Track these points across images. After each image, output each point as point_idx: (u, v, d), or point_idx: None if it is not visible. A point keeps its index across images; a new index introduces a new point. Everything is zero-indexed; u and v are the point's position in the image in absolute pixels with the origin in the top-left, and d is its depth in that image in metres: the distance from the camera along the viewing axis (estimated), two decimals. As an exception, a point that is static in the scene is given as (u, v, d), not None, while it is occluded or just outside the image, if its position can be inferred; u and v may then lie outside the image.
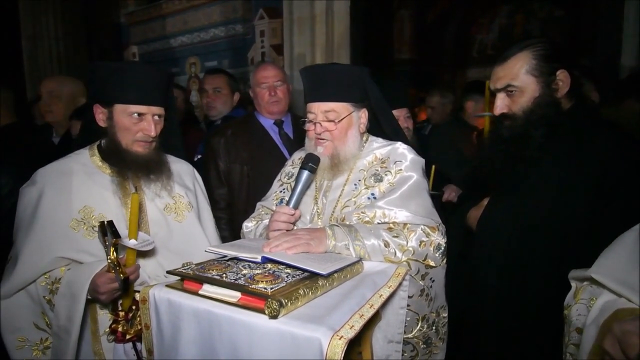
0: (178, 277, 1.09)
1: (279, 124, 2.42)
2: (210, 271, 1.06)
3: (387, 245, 1.32)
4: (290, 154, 2.29)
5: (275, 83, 2.36)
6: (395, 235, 1.35)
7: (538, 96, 1.41)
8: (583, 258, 1.25)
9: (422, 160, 1.55)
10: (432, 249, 1.38)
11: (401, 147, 1.54)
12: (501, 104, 1.47)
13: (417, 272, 1.36)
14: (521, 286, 1.42)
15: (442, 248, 1.40)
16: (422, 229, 1.38)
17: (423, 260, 1.36)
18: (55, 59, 5.60)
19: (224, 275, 1.03)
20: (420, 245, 1.36)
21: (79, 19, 5.82)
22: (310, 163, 1.44)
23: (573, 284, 1.14)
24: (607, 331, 0.89)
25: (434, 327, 1.45)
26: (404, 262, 1.33)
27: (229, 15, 5.07)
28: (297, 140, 2.34)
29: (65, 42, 5.65)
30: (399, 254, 1.33)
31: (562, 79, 1.41)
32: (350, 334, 0.88)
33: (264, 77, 2.38)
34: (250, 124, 2.43)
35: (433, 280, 1.41)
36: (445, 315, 1.49)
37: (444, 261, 1.42)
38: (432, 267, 1.39)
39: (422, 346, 1.43)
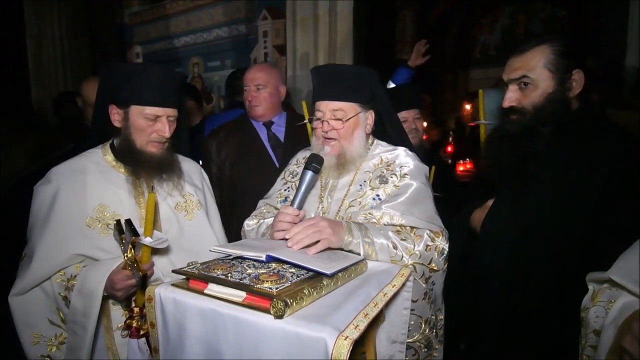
0: (183, 276, 1.09)
1: (267, 125, 2.41)
2: (216, 270, 1.06)
3: (395, 247, 1.34)
4: (277, 156, 2.30)
5: (255, 86, 2.34)
6: (403, 238, 1.37)
7: (551, 92, 1.39)
8: (587, 261, 1.25)
9: (427, 168, 1.58)
10: (436, 253, 1.40)
11: (406, 154, 1.57)
12: (512, 96, 1.45)
13: (422, 275, 1.37)
14: (524, 289, 1.42)
15: (445, 253, 1.42)
16: (427, 234, 1.40)
17: (428, 264, 1.38)
18: (60, 58, 5.62)
19: (229, 274, 1.03)
20: (426, 249, 1.38)
21: (82, 19, 5.83)
22: (314, 163, 1.45)
23: (590, 286, 1.14)
24: (627, 330, 0.89)
25: (434, 330, 1.47)
26: (410, 265, 1.34)
27: (232, 15, 5.08)
28: (288, 142, 2.34)
29: (69, 42, 5.67)
30: (405, 257, 1.34)
31: (577, 79, 1.40)
32: (355, 334, 0.88)
33: (246, 79, 2.38)
34: (242, 125, 2.43)
35: (434, 284, 1.43)
36: (442, 317, 1.51)
37: (445, 265, 1.44)
38: (435, 270, 1.40)
39: (423, 350, 1.44)
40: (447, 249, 1.42)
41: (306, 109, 2.22)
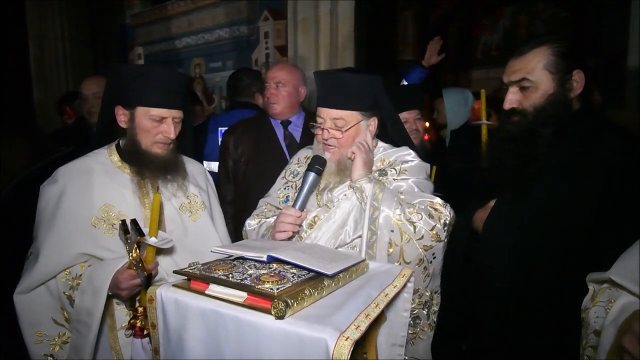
0: (185, 277, 1.09)
1: (284, 124, 2.43)
2: (217, 271, 1.06)
3: (400, 203, 1.39)
4: (291, 155, 2.32)
5: (275, 84, 2.36)
6: (408, 204, 1.42)
7: (551, 94, 1.39)
8: (589, 261, 1.25)
9: (427, 165, 1.59)
10: (440, 223, 1.41)
11: (407, 151, 1.58)
12: (512, 98, 1.45)
13: (421, 237, 1.38)
14: (525, 289, 1.42)
15: (448, 224, 1.43)
16: (430, 204, 1.43)
17: (430, 230, 1.39)
18: (62, 59, 5.63)
19: (230, 275, 1.03)
20: (429, 216, 1.40)
21: (84, 20, 5.85)
22: (317, 165, 1.45)
23: (591, 286, 1.14)
24: (627, 330, 0.89)
25: (425, 308, 1.46)
26: (408, 224, 1.38)
27: (234, 16, 5.08)
28: (303, 141, 2.34)
29: (71, 43, 5.69)
30: (408, 214, 1.38)
31: (577, 79, 1.40)
32: (356, 334, 0.88)
33: (267, 77, 2.42)
34: (261, 123, 2.46)
35: (434, 257, 1.43)
36: (438, 302, 1.51)
37: (447, 238, 1.44)
38: (438, 239, 1.41)
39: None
40: (449, 221, 1.43)
41: None
